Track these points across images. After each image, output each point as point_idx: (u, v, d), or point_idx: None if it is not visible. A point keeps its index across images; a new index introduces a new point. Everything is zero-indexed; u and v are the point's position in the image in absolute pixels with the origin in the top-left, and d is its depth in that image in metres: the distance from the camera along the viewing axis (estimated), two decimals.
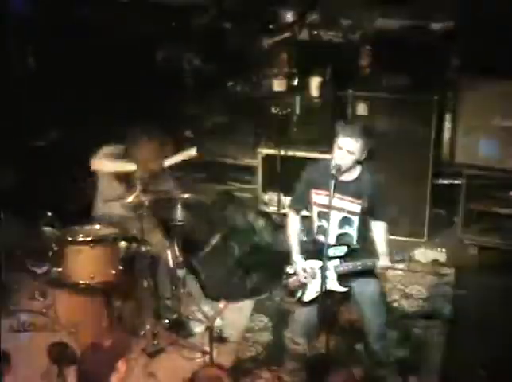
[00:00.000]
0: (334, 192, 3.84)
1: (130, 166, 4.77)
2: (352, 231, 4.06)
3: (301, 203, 4.19)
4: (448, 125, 6.33)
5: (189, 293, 5.14)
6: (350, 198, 3.98)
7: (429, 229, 6.10)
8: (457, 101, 6.03)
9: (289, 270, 4.16)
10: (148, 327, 4.66)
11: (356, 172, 4.01)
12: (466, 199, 5.93)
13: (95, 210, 5.09)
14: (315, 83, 6.40)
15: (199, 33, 7.08)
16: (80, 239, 4.46)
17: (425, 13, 6.24)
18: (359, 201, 3.99)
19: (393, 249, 4.08)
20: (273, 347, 4.76)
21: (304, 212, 4.25)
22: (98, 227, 4.71)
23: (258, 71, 6.87)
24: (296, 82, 6.64)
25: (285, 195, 6.10)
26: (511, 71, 5.50)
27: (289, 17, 6.81)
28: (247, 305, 5.32)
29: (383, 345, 4.16)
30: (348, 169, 3.95)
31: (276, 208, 6.29)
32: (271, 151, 6.32)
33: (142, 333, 4.71)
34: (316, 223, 4.12)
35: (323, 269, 3.83)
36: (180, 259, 5.02)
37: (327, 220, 3.90)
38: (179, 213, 4.94)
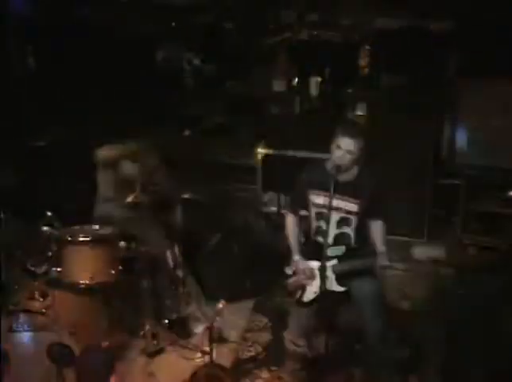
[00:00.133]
0: (332, 192, 3.84)
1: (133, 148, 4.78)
2: (350, 231, 4.07)
3: (300, 203, 4.19)
4: (447, 125, 6.33)
5: (189, 293, 5.14)
6: (348, 198, 3.99)
7: (429, 229, 6.10)
8: (457, 101, 6.03)
9: (288, 270, 4.16)
10: (148, 327, 4.65)
11: (354, 172, 4.02)
12: (466, 199, 5.94)
13: (95, 210, 5.10)
14: (314, 83, 6.40)
15: (199, 33, 7.08)
16: (80, 239, 4.46)
17: (425, 13, 6.24)
18: (357, 201, 3.99)
19: (393, 249, 4.07)
20: (273, 347, 4.77)
21: (303, 213, 4.25)
22: (97, 227, 4.71)
23: (258, 71, 6.87)
24: (295, 82, 6.64)
25: (284, 195, 6.10)
26: (511, 71, 5.50)
27: (289, 17, 6.81)
28: (247, 305, 5.32)
29: (383, 345, 4.16)
30: (347, 169, 3.96)
31: (276, 208, 6.29)
32: (271, 151, 6.32)
33: (142, 333, 4.70)
34: (315, 223, 4.12)
35: (323, 269, 3.83)
36: (180, 259, 5.03)
37: (326, 220, 3.91)
38: (179, 213, 4.95)
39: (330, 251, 4.00)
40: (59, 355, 3.91)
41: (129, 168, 4.85)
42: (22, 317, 3.98)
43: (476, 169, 5.87)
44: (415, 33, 6.13)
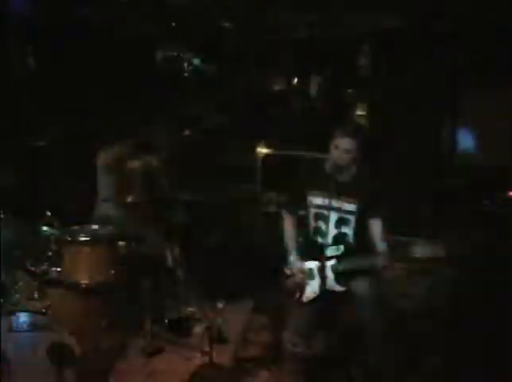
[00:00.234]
0: (331, 192, 3.84)
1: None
2: (349, 230, 4.07)
3: (298, 204, 4.19)
4: (447, 125, 6.33)
5: (189, 293, 5.13)
6: (347, 198, 3.99)
7: (428, 229, 6.10)
8: (457, 101, 6.04)
9: (287, 271, 4.16)
10: (147, 327, 4.65)
11: (353, 172, 4.02)
12: (465, 198, 5.94)
13: (95, 210, 5.10)
14: (314, 82, 6.40)
15: (199, 33, 7.08)
16: (80, 239, 4.46)
17: (425, 13, 6.24)
18: (356, 201, 3.99)
19: (392, 248, 4.07)
20: (272, 347, 4.77)
21: (301, 213, 4.25)
22: (97, 227, 4.71)
23: (258, 71, 6.88)
24: (296, 82, 6.64)
25: (284, 195, 6.10)
26: (511, 71, 5.50)
27: (289, 17, 6.81)
28: (246, 305, 5.33)
29: (382, 345, 4.16)
30: (346, 169, 3.96)
31: (275, 208, 6.29)
32: (271, 151, 6.32)
33: (142, 332, 4.70)
34: (313, 223, 4.13)
35: (321, 269, 3.83)
36: (180, 259, 5.03)
37: (324, 220, 3.91)
38: (178, 213, 4.95)
39: (329, 251, 4.00)
40: (59, 355, 3.91)
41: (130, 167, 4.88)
42: (22, 317, 3.98)
43: (476, 169, 5.87)
44: (415, 33, 6.13)
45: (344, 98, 6.13)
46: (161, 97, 6.83)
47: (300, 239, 4.21)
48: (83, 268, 4.41)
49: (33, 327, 3.97)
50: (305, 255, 4.12)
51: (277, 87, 6.66)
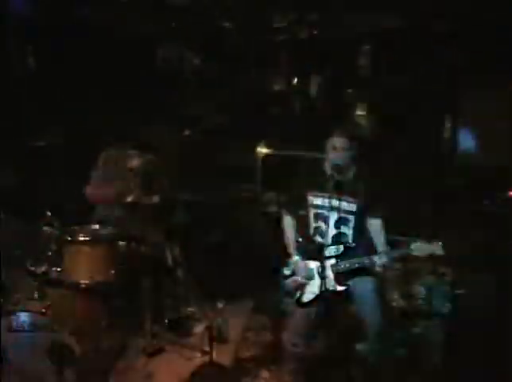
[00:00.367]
0: (331, 192, 3.84)
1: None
2: (348, 230, 4.07)
3: (298, 204, 4.19)
4: (447, 125, 6.33)
5: (189, 293, 5.14)
6: (346, 198, 3.99)
7: (428, 229, 6.09)
8: (458, 101, 6.04)
9: (287, 271, 4.16)
10: (147, 327, 4.65)
11: (352, 171, 4.02)
12: (465, 198, 5.94)
13: (95, 210, 5.10)
14: (314, 82, 6.40)
15: (199, 33, 7.08)
16: (80, 238, 4.47)
17: (425, 13, 6.24)
18: (356, 201, 3.99)
19: (391, 248, 4.07)
20: (273, 347, 4.77)
21: (301, 213, 4.25)
22: (97, 227, 4.71)
23: (258, 71, 6.88)
24: (295, 82, 6.64)
25: (284, 195, 6.10)
26: (511, 71, 5.50)
27: (289, 17, 6.81)
28: (246, 305, 5.33)
29: (382, 345, 4.16)
30: (345, 169, 3.96)
31: (275, 208, 6.28)
32: (271, 151, 6.32)
33: (142, 332, 4.71)
34: (313, 224, 4.12)
35: (321, 269, 3.83)
36: (180, 259, 5.03)
37: (324, 220, 3.91)
38: (178, 213, 4.95)
39: (329, 251, 4.00)
40: (59, 355, 3.91)
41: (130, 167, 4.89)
42: (22, 317, 3.98)
43: (476, 169, 5.87)
44: (415, 33, 6.13)
45: (344, 98, 6.12)
46: (161, 97, 6.83)
47: (300, 239, 4.21)
48: (83, 268, 4.41)
49: (33, 327, 3.97)
50: (305, 255, 4.11)
51: (277, 87, 6.66)
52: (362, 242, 4.10)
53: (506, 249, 5.72)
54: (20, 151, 6.34)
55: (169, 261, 5.04)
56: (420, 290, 5.48)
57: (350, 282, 4.04)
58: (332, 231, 4.04)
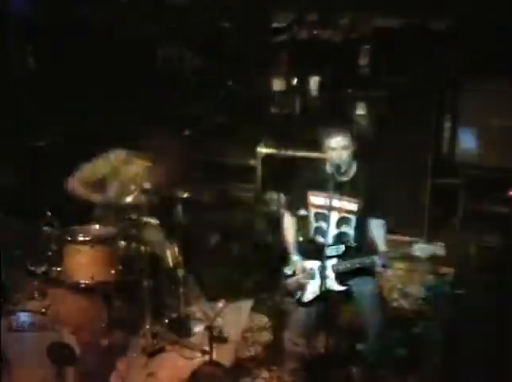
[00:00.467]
0: (331, 191, 3.84)
1: (96, 198, 4.87)
2: (349, 230, 4.07)
3: (298, 204, 4.19)
4: (447, 125, 6.33)
5: (189, 293, 5.13)
6: (347, 197, 3.99)
7: (429, 228, 6.10)
8: (457, 100, 6.03)
9: (288, 270, 4.16)
10: (147, 327, 4.65)
11: (353, 170, 4.02)
12: (465, 198, 5.94)
13: (95, 210, 5.10)
14: (314, 82, 6.40)
15: (199, 32, 7.08)
16: (80, 238, 4.46)
17: (425, 13, 6.24)
18: (356, 201, 3.99)
19: (392, 248, 4.07)
20: (273, 347, 4.77)
21: (302, 213, 4.25)
22: (97, 227, 4.71)
23: (258, 70, 6.88)
24: (295, 82, 6.64)
25: (284, 195, 6.10)
26: (511, 71, 5.50)
27: (289, 17, 6.81)
28: (247, 304, 5.33)
29: (382, 345, 4.16)
30: (346, 168, 3.96)
31: (275, 208, 6.29)
32: (271, 151, 6.32)
33: (142, 332, 4.71)
34: (314, 224, 4.12)
35: (322, 269, 3.83)
36: (180, 258, 5.03)
37: (325, 220, 3.91)
38: (178, 213, 4.95)
39: (330, 251, 4.00)
40: (59, 355, 3.91)
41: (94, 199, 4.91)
42: (22, 317, 3.98)
43: (476, 169, 5.87)
44: (415, 33, 6.12)
45: (343, 97, 6.12)
46: (161, 97, 6.83)
47: (301, 238, 4.21)
48: (83, 268, 4.41)
49: (33, 327, 3.97)
50: (306, 255, 4.12)
51: (276, 87, 6.66)
52: (363, 242, 4.10)
53: (507, 249, 5.73)
54: (20, 151, 6.33)
55: (169, 261, 5.04)
56: (420, 290, 5.48)
57: (351, 282, 4.04)
58: (333, 231, 4.05)
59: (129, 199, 4.66)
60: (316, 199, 4.05)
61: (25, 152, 6.37)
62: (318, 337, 4.22)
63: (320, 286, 3.86)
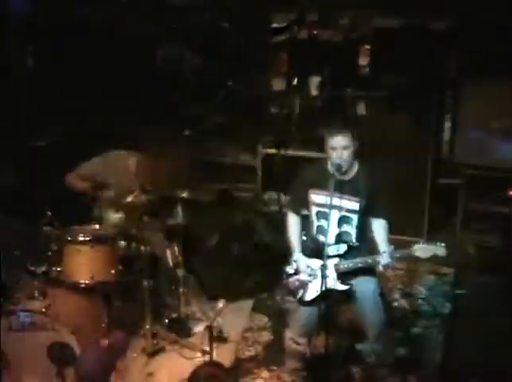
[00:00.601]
0: (333, 191, 3.84)
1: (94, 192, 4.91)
2: (351, 229, 4.06)
3: (300, 203, 4.18)
4: (447, 125, 6.33)
5: (189, 292, 5.13)
6: (348, 197, 3.98)
7: (429, 228, 6.10)
8: (457, 101, 6.03)
9: (289, 269, 4.16)
10: (147, 327, 4.65)
11: (354, 170, 4.01)
12: (465, 198, 5.94)
13: (95, 210, 5.10)
14: (314, 82, 6.41)
15: (199, 32, 7.08)
16: (80, 238, 4.46)
17: (425, 12, 6.23)
18: (358, 199, 3.99)
19: (392, 247, 4.07)
20: (273, 346, 4.77)
21: (304, 212, 4.24)
22: (97, 226, 4.72)
23: (258, 70, 6.88)
24: (295, 82, 6.65)
25: (284, 194, 6.10)
26: (511, 71, 5.50)
27: (289, 17, 6.82)
28: (247, 304, 5.32)
29: (383, 344, 4.16)
30: (348, 167, 3.95)
31: (276, 208, 6.29)
32: (271, 151, 6.32)
33: (142, 332, 4.70)
34: (315, 222, 4.12)
35: (323, 268, 3.82)
36: (180, 258, 5.03)
37: (327, 219, 3.90)
38: (179, 213, 4.95)
39: (331, 250, 3.99)
40: (59, 354, 3.91)
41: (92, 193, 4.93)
42: (22, 317, 3.98)
43: (476, 169, 5.87)
44: (415, 32, 6.12)
45: (343, 97, 6.12)
46: (161, 97, 6.83)
47: (305, 237, 4.21)
48: (84, 268, 4.41)
49: (33, 327, 3.97)
50: (308, 254, 4.11)
51: (276, 87, 6.67)
52: (365, 241, 4.10)
53: (507, 249, 5.73)
54: (20, 151, 6.33)
55: (169, 261, 5.04)
56: (420, 290, 5.49)
57: (352, 282, 4.04)
58: (335, 230, 4.04)
59: (129, 199, 4.65)
60: (318, 197, 4.05)
61: (25, 152, 6.37)
62: (319, 336, 4.22)
63: (321, 285, 3.85)
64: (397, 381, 4.30)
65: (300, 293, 4.11)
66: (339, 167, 3.90)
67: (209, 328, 4.18)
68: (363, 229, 4.09)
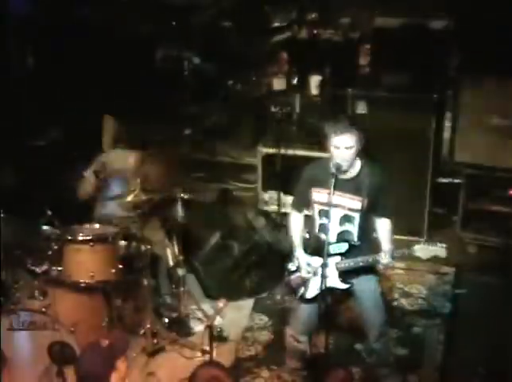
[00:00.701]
0: (334, 189, 3.83)
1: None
2: (353, 228, 4.05)
3: (303, 202, 4.18)
4: (447, 124, 6.33)
5: (189, 292, 5.13)
6: (350, 195, 3.97)
7: (429, 228, 6.09)
8: (457, 100, 6.03)
9: (291, 266, 4.15)
10: (148, 326, 4.65)
11: (356, 169, 4.01)
12: (465, 198, 5.94)
13: (96, 209, 5.10)
14: (314, 81, 6.41)
15: (199, 32, 7.08)
16: (80, 238, 4.46)
17: (425, 12, 6.23)
18: (360, 198, 3.98)
19: (393, 247, 4.06)
20: (273, 345, 4.77)
21: (306, 211, 4.24)
22: (97, 226, 4.72)
23: (258, 70, 6.88)
24: (295, 81, 6.65)
25: (285, 194, 6.10)
26: (511, 70, 5.50)
27: (289, 16, 6.82)
28: (247, 303, 5.32)
29: (383, 344, 4.15)
30: (349, 167, 3.95)
31: (276, 207, 6.28)
32: (271, 150, 6.32)
33: (142, 332, 4.70)
34: (318, 221, 4.11)
35: (324, 266, 3.82)
36: (180, 257, 5.03)
37: (328, 218, 3.89)
38: (179, 212, 4.95)
39: (333, 249, 3.99)
40: (59, 354, 3.91)
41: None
42: (22, 316, 3.98)
43: (476, 169, 5.86)
44: (415, 32, 6.11)
45: (343, 97, 6.11)
46: (161, 97, 6.83)
47: (307, 235, 4.20)
48: (84, 267, 4.41)
49: (34, 326, 3.97)
50: (310, 252, 4.11)
51: (276, 87, 6.66)
52: (367, 240, 4.09)
53: (507, 249, 5.73)
54: (20, 151, 6.34)
55: (169, 260, 5.04)
56: (420, 289, 5.48)
57: (354, 280, 4.03)
58: (337, 229, 4.03)
59: (129, 198, 4.65)
60: (320, 196, 4.04)
61: (25, 152, 6.38)
62: (320, 334, 4.21)
63: (321, 283, 3.85)
64: (397, 381, 4.29)
65: (302, 290, 4.11)
66: (339, 166, 3.90)
67: (209, 327, 4.18)
68: (365, 228, 4.08)
